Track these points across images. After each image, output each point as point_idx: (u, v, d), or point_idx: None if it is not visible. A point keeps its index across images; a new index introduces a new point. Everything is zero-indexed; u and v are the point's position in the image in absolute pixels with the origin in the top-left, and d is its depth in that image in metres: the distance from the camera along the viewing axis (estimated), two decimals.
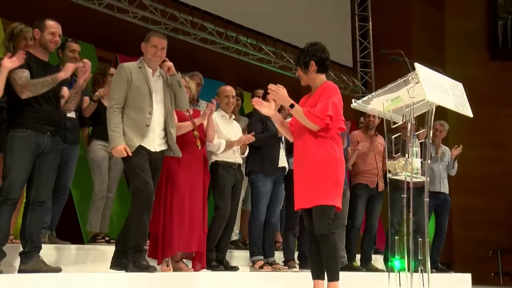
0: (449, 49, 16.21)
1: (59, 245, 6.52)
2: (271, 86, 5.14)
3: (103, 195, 7.11)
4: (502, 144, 15.94)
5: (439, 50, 16.04)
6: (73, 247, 6.58)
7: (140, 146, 5.64)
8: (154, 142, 5.75)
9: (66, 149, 6.62)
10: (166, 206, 6.46)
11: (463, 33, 16.31)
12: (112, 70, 7.27)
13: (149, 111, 5.66)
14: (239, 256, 7.56)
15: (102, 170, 7.15)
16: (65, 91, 5.85)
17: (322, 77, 5.24)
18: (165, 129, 5.88)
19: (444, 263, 10.86)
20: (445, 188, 9.83)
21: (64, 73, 5.56)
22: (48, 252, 5.73)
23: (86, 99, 7.01)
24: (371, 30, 14.43)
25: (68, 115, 6.62)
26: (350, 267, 8.43)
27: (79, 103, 6.42)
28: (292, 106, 5.03)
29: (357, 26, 14.37)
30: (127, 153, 5.55)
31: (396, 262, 4.88)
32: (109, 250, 6.61)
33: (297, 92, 5.74)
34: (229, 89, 7.38)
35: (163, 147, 5.89)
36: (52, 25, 5.64)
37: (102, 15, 9.58)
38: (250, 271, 7.15)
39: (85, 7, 9.29)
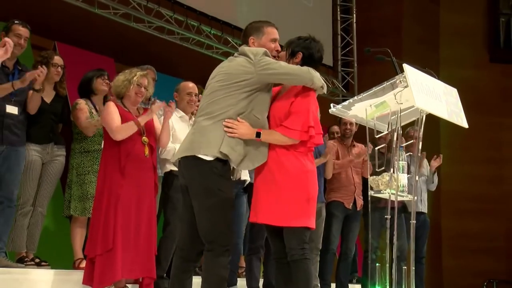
0: (444, 48, 16.38)
1: None
2: (226, 124, 4.99)
3: (28, 210, 6.96)
4: (503, 160, 16.14)
5: (433, 49, 16.21)
6: None
7: None
8: None
9: (6, 151, 6.56)
10: (107, 224, 6.30)
11: (460, 30, 16.52)
12: (56, 58, 7.23)
13: None
14: (197, 283, 7.48)
15: (31, 179, 6.98)
16: None
17: None
18: None
19: None
20: (424, 206, 9.90)
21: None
22: None
23: (30, 92, 6.83)
24: (355, 24, 14.49)
25: (8, 110, 6.53)
26: None
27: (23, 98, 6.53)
28: (258, 134, 4.96)
29: (338, 18, 14.47)
30: None
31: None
32: (39, 274, 6.62)
33: None
34: (192, 86, 7.34)
35: None
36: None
37: None
38: None
39: None
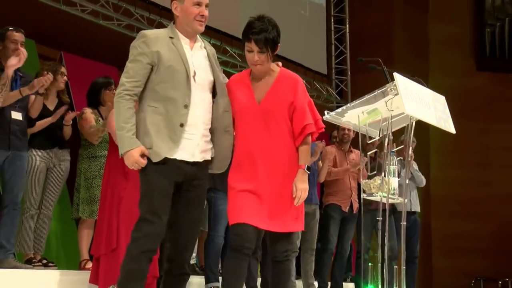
0: (433, 57, 16.40)
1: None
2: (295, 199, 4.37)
3: (34, 213, 6.94)
4: (490, 164, 16.14)
5: (422, 58, 16.21)
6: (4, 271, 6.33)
7: (171, 158, 4.09)
8: (195, 148, 4.13)
9: (11, 156, 6.53)
10: (111, 225, 6.27)
11: (448, 40, 16.55)
12: (63, 69, 7.26)
13: (184, 103, 4.04)
14: (195, 282, 7.49)
15: (36, 184, 6.95)
16: None
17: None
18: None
19: None
20: (415, 206, 9.75)
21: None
22: None
23: (33, 97, 6.82)
24: (348, 34, 14.50)
25: (13, 116, 6.51)
26: None
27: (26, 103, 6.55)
28: (308, 168, 4.45)
29: (332, 28, 14.45)
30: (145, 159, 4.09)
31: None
32: (46, 274, 6.61)
33: None
34: None
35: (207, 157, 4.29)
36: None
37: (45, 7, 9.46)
38: None
39: None
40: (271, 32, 4.33)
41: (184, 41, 4.11)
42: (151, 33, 4.12)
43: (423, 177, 10.00)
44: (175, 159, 3.99)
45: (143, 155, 3.90)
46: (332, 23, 14.46)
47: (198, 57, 4.12)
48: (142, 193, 4.06)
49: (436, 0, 16.60)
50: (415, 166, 9.76)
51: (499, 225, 15.75)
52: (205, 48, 4.23)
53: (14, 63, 5.97)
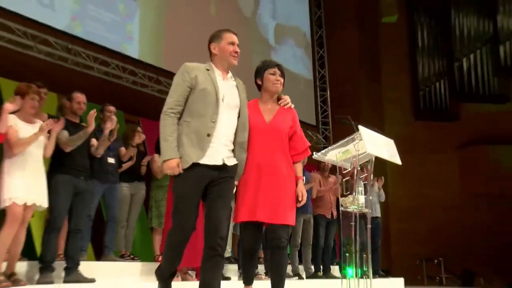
0: (386, 112, 16.47)
1: (92, 262, 6.50)
2: (302, 201, 4.09)
3: (124, 224, 7.01)
4: (428, 183, 16.17)
5: (379, 114, 16.27)
6: (105, 263, 6.47)
7: (198, 163, 3.58)
8: (220, 154, 3.66)
9: (109, 188, 6.57)
10: None
11: (395, 101, 16.76)
12: (139, 128, 7.34)
13: (212, 119, 3.61)
14: (231, 269, 7.44)
15: (124, 206, 7.00)
16: (93, 141, 5.97)
17: None
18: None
19: (384, 270, 10.89)
20: (377, 212, 9.73)
21: (90, 128, 5.65)
22: (85, 266, 5.65)
23: (122, 149, 6.95)
24: (329, 99, 14.47)
25: (109, 161, 6.54)
26: (315, 276, 8.44)
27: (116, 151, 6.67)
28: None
29: (318, 94, 14.42)
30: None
31: (349, 271, 4.86)
32: (133, 265, 6.67)
33: None
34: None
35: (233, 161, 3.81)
36: (78, 97, 5.87)
37: (128, 88, 9.54)
38: (238, 280, 6.98)
39: (114, 83, 9.31)
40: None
41: (217, 73, 3.75)
42: (191, 64, 3.75)
43: (384, 195, 10.06)
44: (202, 164, 3.53)
45: (178, 165, 3.49)
46: (318, 91, 14.43)
47: (228, 85, 3.75)
48: (173, 199, 3.65)
49: (386, 75, 16.69)
50: (377, 187, 9.74)
51: (432, 224, 15.67)
52: (235, 80, 3.84)
53: (109, 126, 5.93)
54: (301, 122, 4.49)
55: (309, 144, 4.20)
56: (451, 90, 16.95)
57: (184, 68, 3.70)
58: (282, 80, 4.10)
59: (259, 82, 4.10)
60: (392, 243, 15.29)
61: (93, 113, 5.67)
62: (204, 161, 3.55)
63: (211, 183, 3.60)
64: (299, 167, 4.13)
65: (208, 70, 3.73)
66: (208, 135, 3.57)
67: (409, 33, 17.08)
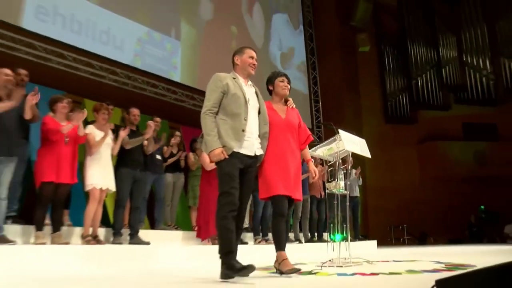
0: (364, 117, 16.32)
1: (148, 230, 6.50)
2: (316, 177, 3.89)
3: (168, 204, 6.98)
4: (394, 169, 15.99)
5: (359, 118, 16.10)
6: (157, 231, 6.50)
7: (237, 152, 3.35)
8: (254, 146, 3.44)
9: (157, 177, 6.55)
10: (208, 204, 6.11)
11: (370, 108, 16.50)
12: (177, 133, 7.26)
13: (244, 117, 3.39)
14: (248, 236, 7.37)
15: (169, 191, 6.97)
16: (145, 142, 5.91)
17: None
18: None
19: (363, 235, 10.82)
20: (356, 193, 9.48)
21: (146, 135, 5.76)
22: (143, 233, 5.71)
23: (165, 148, 6.81)
24: (321, 107, 14.29)
25: (157, 157, 6.50)
26: (311, 241, 8.34)
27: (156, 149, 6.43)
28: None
29: (313, 105, 14.25)
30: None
31: (337, 237, 4.84)
32: (176, 233, 6.63)
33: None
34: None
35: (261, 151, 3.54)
36: (134, 111, 5.92)
37: (171, 104, 9.45)
38: (254, 244, 7.00)
39: (161, 100, 9.27)
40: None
41: (241, 80, 3.49)
42: (221, 74, 3.46)
43: (361, 180, 9.78)
44: (239, 153, 3.29)
45: (222, 152, 3.21)
46: (312, 101, 14.23)
47: (249, 90, 3.49)
48: (219, 177, 3.29)
49: (363, 90, 16.50)
50: (356, 174, 9.61)
51: (399, 200, 15.50)
52: (253, 86, 3.58)
53: (149, 132, 5.82)
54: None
55: (309, 133, 3.98)
56: (411, 101, 16.75)
57: (216, 77, 3.44)
58: (289, 86, 3.93)
59: (270, 88, 3.90)
60: (370, 215, 15.19)
61: (151, 123, 5.82)
62: (242, 151, 3.32)
63: (244, 169, 3.34)
64: (307, 151, 3.95)
65: (234, 78, 3.49)
66: (243, 130, 3.32)
67: (379, 59, 16.96)
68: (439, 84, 17.03)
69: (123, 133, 5.44)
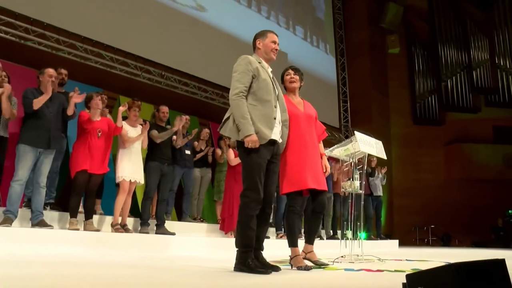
0: (392, 118, 16.14)
1: (174, 221, 6.60)
2: (327, 172, 3.79)
3: (196, 197, 7.03)
4: (419, 169, 15.78)
5: (387, 119, 15.94)
6: (183, 223, 6.59)
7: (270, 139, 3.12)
8: (281, 133, 3.27)
9: (186, 171, 6.59)
10: (232, 198, 6.21)
11: (399, 109, 16.26)
12: (206, 129, 7.30)
13: (274, 105, 3.17)
14: (271, 231, 7.41)
15: (196, 184, 7.00)
16: (173, 137, 6.05)
17: None
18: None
19: (387, 234, 10.79)
20: (380, 192, 9.46)
21: (174, 128, 5.86)
22: (170, 224, 5.84)
23: (195, 143, 6.88)
24: (349, 107, 14.22)
25: (186, 152, 6.54)
26: (333, 238, 8.29)
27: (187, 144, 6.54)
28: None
29: (341, 104, 14.19)
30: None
31: (349, 234, 4.83)
32: (202, 225, 6.71)
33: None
34: None
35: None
36: (163, 108, 5.99)
37: (201, 101, 9.56)
38: (276, 239, 7.05)
39: (192, 98, 9.39)
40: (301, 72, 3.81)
41: (265, 65, 3.25)
42: (250, 57, 3.19)
43: (385, 179, 9.71)
44: (270, 142, 3.06)
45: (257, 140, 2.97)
46: (341, 102, 14.09)
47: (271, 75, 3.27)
48: (247, 167, 3.03)
49: (392, 91, 16.32)
50: (381, 174, 9.55)
51: (424, 200, 15.30)
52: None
53: (176, 125, 5.93)
54: (327, 125, 4.39)
55: (324, 127, 4.00)
56: (439, 102, 16.48)
57: (246, 59, 3.16)
58: (297, 77, 3.73)
59: (283, 85, 3.79)
60: (395, 214, 15.07)
61: (179, 118, 5.93)
62: (273, 137, 3.10)
63: (270, 159, 3.13)
64: (321, 146, 3.84)
65: (259, 62, 3.23)
66: (274, 118, 3.11)
67: (408, 61, 16.71)
68: (470, 87, 16.64)
69: (145, 129, 5.50)
